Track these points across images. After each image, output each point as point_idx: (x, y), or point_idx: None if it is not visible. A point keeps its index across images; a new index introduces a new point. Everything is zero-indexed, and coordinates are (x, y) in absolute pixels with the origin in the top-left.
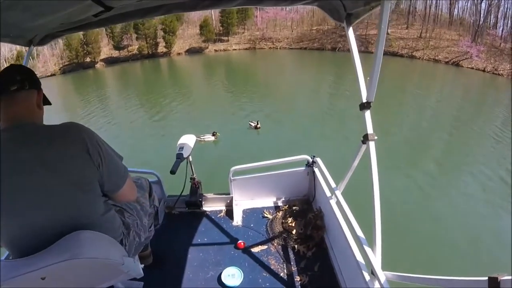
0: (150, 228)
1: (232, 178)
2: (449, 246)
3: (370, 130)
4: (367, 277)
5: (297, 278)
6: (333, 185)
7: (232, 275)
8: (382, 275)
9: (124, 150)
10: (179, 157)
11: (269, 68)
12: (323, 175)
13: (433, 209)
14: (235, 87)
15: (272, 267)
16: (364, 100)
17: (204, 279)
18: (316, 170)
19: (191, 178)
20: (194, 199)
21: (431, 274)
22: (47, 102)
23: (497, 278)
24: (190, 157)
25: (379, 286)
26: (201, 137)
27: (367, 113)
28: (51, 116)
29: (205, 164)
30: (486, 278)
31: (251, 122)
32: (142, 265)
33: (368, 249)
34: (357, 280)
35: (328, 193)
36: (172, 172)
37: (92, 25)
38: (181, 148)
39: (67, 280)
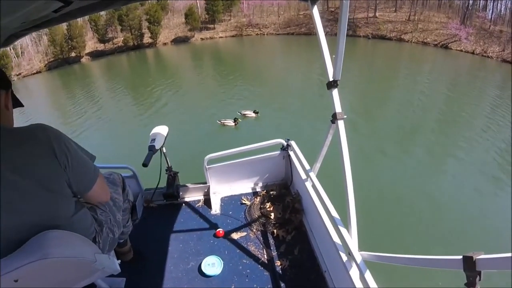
0: (128, 223)
1: (207, 166)
2: (425, 226)
3: (338, 109)
4: (344, 258)
5: (278, 263)
6: (307, 167)
7: (212, 264)
8: (358, 255)
9: (109, 146)
10: (151, 149)
11: (256, 55)
12: (298, 158)
13: (417, 190)
14: (222, 78)
15: (252, 253)
16: (331, 79)
17: (185, 270)
18: (291, 153)
19: (166, 170)
20: (171, 190)
21: (407, 254)
22: (18, 104)
23: (472, 257)
24: (164, 149)
25: (356, 266)
26: (222, 121)
27: (335, 92)
28: (33, 114)
29: (183, 154)
30: (461, 257)
31: (243, 111)
32: (119, 261)
33: (344, 231)
34: (335, 261)
35: (303, 176)
36: (144, 165)
37: (55, 21)
38: (153, 140)
39: (41, 281)
